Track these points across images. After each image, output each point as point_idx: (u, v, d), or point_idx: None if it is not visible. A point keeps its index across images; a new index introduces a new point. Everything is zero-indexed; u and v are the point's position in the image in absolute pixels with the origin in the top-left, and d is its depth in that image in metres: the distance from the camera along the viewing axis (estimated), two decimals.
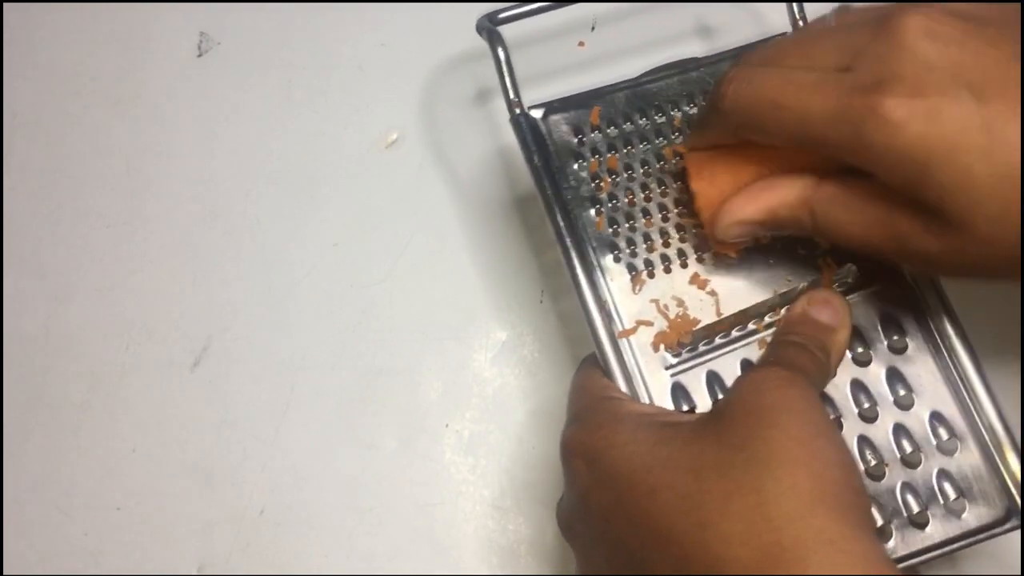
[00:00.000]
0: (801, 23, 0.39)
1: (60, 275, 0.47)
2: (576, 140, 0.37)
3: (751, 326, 0.35)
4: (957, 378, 0.34)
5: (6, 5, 0.52)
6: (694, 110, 0.37)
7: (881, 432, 0.34)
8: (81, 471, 0.44)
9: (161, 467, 0.44)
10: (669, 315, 0.35)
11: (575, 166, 0.37)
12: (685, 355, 0.34)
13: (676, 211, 0.36)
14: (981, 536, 0.33)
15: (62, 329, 0.46)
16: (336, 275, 0.47)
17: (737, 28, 0.48)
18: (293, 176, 0.48)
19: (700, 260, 0.35)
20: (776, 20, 0.40)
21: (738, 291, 0.35)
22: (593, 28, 0.49)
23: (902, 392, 0.34)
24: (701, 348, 0.34)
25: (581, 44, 0.48)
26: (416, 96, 0.49)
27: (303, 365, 0.45)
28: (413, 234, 0.47)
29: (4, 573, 0.43)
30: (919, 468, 0.33)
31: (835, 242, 0.32)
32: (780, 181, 0.32)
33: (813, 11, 0.39)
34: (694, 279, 0.35)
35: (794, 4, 0.39)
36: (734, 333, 0.34)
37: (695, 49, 0.40)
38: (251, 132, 0.49)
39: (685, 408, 0.34)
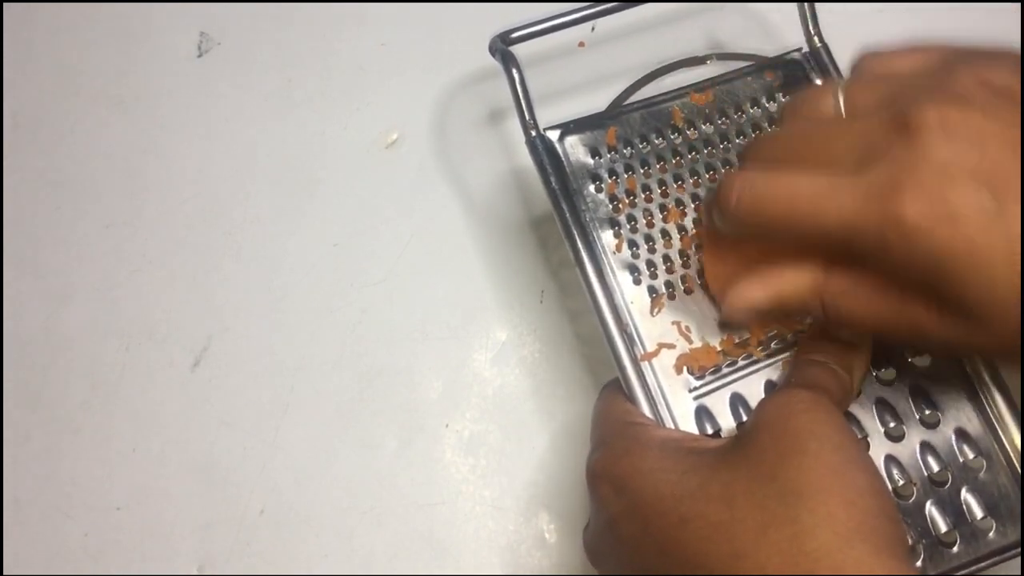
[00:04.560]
0: (812, 30, 0.39)
1: (60, 275, 0.47)
2: (593, 161, 0.37)
3: (774, 346, 0.34)
4: (981, 395, 0.34)
5: (6, 5, 0.52)
6: (711, 129, 0.37)
7: (908, 451, 0.33)
8: (81, 471, 0.44)
9: (161, 467, 0.44)
10: (691, 337, 0.34)
11: (592, 187, 0.36)
12: (708, 377, 0.34)
13: (695, 231, 0.36)
14: (1008, 555, 0.32)
15: (62, 329, 0.46)
16: (336, 275, 0.47)
17: (745, 38, 0.48)
18: (293, 176, 0.48)
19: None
20: (784, 29, 0.40)
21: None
22: (593, 29, 0.49)
23: (927, 410, 0.34)
24: (724, 370, 0.34)
25: (581, 44, 0.48)
26: (416, 95, 0.49)
27: (303, 365, 0.45)
28: (413, 234, 0.47)
29: (4, 573, 0.43)
30: (946, 487, 0.33)
31: (847, 328, 0.31)
32: (788, 267, 0.31)
33: (821, 9, 0.39)
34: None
35: (805, 4, 0.39)
36: (758, 352, 0.34)
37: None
38: (251, 132, 0.49)
39: (710, 431, 0.33)
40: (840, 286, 0.30)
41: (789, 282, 0.31)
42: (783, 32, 0.43)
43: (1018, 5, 0.47)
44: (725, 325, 0.34)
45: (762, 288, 0.31)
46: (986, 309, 0.27)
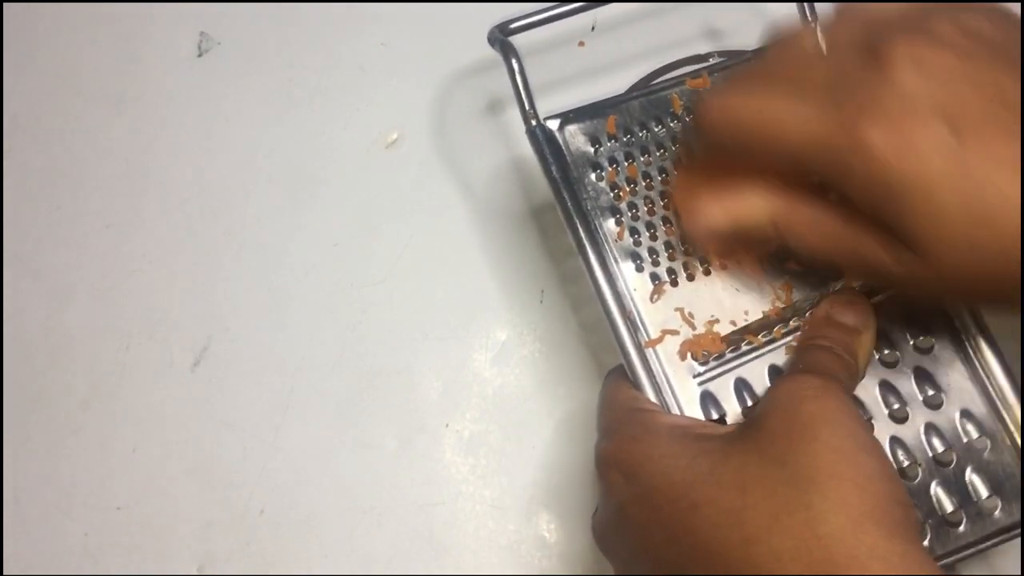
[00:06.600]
0: (810, 20, 0.39)
1: (60, 275, 0.47)
2: (593, 150, 0.37)
3: (776, 331, 0.34)
4: (984, 375, 0.34)
5: (6, 5, 0.52)
6: None
7: (912, 432, 0.34)
8: (81, 471, 0.44)
9: (161, 467, 0.44)
10: (694, 323, 0.34)
11: (593, 176, 0.36)
12: (712, 363, 0.34)
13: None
14: (1014, 533, 0.33)
15: (62, 329, 0.46)
16: (336, 275, 0.47)
17: (744, 31, 0.48)
18: (293, 176, 0.48)
19: (723, 266, 0.35)
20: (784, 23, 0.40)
21: (762, 296, 0.35)
22: (593, 28, 0.49)
23: (930, 392, 0.34)
24: (728, 355, 0.34)
25: (581, 44, 0.48)
26: (416, 94, 0.49)
27: (303, 365, 0.45)
28: (413, 234, 0.47)
29: (4, 573, 0.43)
30: (951, 467, 0.33)
31: (799, 253, 0.32)
32: (750, 190, 0.32)
33: (822, 9, 0.39)
34: (717, 285, 0.35)
35: (804, 3, 0.39)
36: (760, 339, 0.34)
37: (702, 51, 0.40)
38: (251, 132, 0.49)
39: (715, 416, 0.33)
40: (798, 214, 0.31)
41: (747, 204, 0.32)
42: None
43: (1018, 5, 0.47)
44: (687, 238, 0.35)
45: (719, 205, 0.32)
46: (933, 243, 0.27)
